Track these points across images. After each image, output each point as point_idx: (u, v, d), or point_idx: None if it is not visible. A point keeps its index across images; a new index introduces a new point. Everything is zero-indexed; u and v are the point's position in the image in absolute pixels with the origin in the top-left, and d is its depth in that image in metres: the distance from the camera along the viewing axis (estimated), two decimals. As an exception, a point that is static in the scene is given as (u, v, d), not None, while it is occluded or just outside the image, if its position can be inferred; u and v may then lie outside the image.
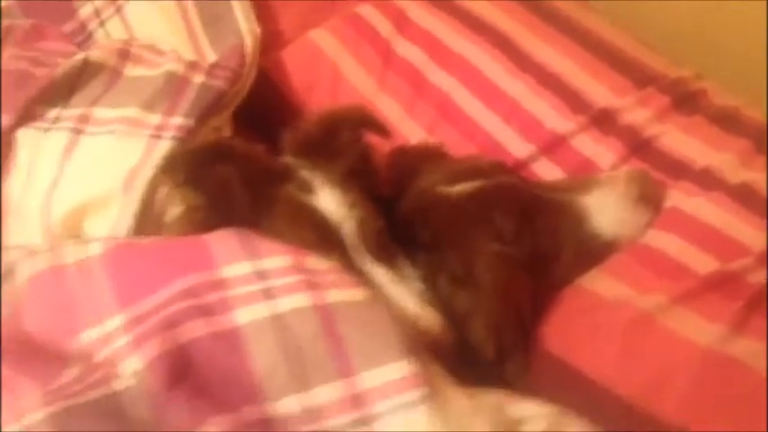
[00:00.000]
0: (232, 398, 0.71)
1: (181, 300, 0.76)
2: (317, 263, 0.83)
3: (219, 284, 0.77)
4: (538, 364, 0.93)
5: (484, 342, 0.91)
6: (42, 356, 0.76)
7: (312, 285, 0.78)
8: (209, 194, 0.89)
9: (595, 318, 0.92)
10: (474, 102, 1.18)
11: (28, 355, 0.75)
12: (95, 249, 0.85)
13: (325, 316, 0.75)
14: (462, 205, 0.95)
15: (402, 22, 1.28)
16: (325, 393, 0.72)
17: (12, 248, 0.91)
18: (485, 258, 0.92)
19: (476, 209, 0.95)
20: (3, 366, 0.72)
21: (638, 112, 1.10)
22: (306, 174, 0.93)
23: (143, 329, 0.73)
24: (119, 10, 1.27)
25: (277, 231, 0.88)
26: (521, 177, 1.05)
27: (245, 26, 1.21)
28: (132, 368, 0.72)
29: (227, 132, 1.14)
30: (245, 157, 0.90)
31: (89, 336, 0.77)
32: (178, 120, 1.02)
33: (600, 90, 1.13)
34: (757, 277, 0.87)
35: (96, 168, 1.01)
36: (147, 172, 0.98)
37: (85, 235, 1.00)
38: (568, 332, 0.93)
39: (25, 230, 1.02)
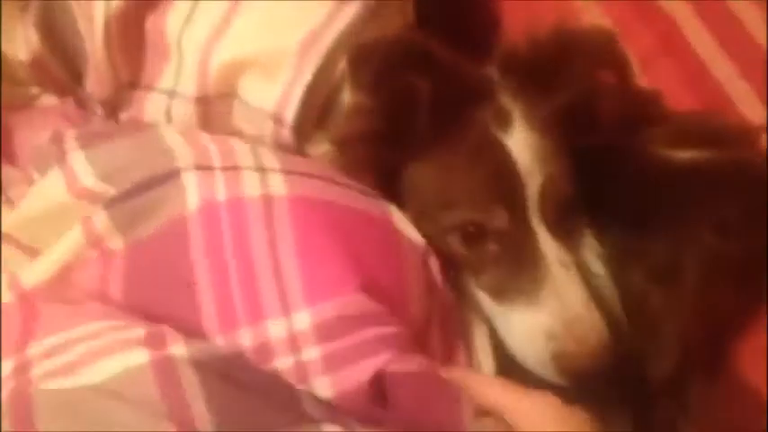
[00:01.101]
0: None
1: (390, 322, 0.62)
2: None
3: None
4: (727, 393, 0.76)
5: (668, 351, 0.73)
6: None
7: None
8: (390, 101, 0.73)
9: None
10: (706, 38, 0.95)
11: None
12: (278, 187, 0.67)
13: None
14: (685, 179, 0.76)
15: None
16: None
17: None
18: (697, 252, 0.73)
19: (702, 188, 0.75)
20: None
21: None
22: (508, 100, 0.76)
23: (335, 346, 0.59)
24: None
25: (452, 164, 0.74)
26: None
27: None
28: (322, 394, 0.60)
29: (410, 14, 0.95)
30: (442, 65, 0.73)
31: (274, 328, 0.61)
32: None
33: None
34: None
35: (271, 23, 0.84)
36: (328, 42, 0.81)
37: (240, 97, 0.85)
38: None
39: (180, 76, 0.87)
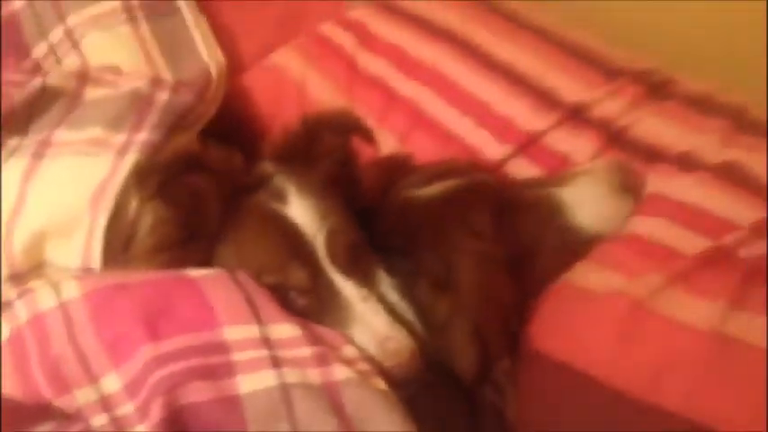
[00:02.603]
0: None
1: (181, 358, 0.69)
2: (325, 332, 0.79)
3: (223, 346, 0.70)
4: (528, 366, 0.88)
5: (466, 347, 0.85)
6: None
7: (321, 360, 0.72)
8: (179, 206, 0.84)
9: (587, 311, 0.88)
10: (445, 108, 1.16)
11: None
12: (71, 292, 0.76)
13: (334, 394, 0.70)
14: (437, 205, 0.92)
15: (365, 37, 1.26)
16: None
17: None
18: (463, 257, 0.88)
19: (451, 208, 0.91)
20: None
21: (610, 104, 1.08)
22: (281, 181, 0.89)
23: (146, 394, 0.67)
24: (75, 45, 1.23)
25: (246, 242, 0.84)
26: (496, 175, 1.02)
27: (208, 54, 1.19)
28: None
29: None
30: (217, 166, 0.85)
31: (85, 396, 0.69)
32: (144, 135, 0.98)
33: (570, 85, 1.11)
34: (750, 251, 0.84)
35: (60, 189, 0.95)
36: (115, 188, 0.93)
37: (48, 262, 0.94)
38: (559, 329, 0.89)
39: None
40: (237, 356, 0.69)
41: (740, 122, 1.00)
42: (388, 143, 1.16)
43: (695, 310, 0.81)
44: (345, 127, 0.92)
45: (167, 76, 1.16)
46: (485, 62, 1.16)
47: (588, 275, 0.91)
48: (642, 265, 0.88)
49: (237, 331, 0.71)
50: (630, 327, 0.83)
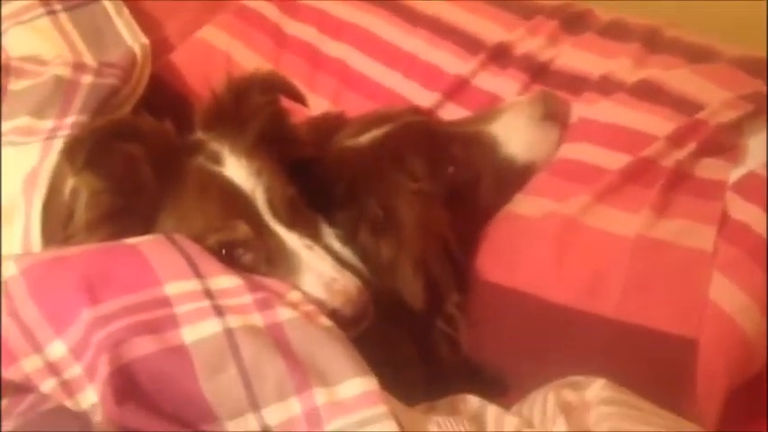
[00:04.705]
0: (184, 416, 0.67)
1: (123, 316, 0.70)
2: (269, 282, 0.79)
3: (165, 301, 0.71)
4: (476, 294, 0.92)
5: (412, 282, 0.88)
6: None
7: (264, 305, 0.73)
8: (113, 176, 0.83)
9: (524, 235, 0.91)
10: (372, 64, 1.18)
11: None
12: (9, 270, 0.76)
13: (279, 335, 0.71)
14: (372, 152, 0.94)
15: (289, 6, 1.28)
16: (282, 411, 0.68)
17: None
18: (401, 197, 0.90)
19: (386, 152, 0.94)
20: None
21: (530, 41, 1.11)
22: (215, 145, 0.90)
23: (91, 354, 0.68)
24: (-3, 41, 1.23)
25: (187, 206, 0.85)
26: (430, 116, 1.05)
27: (132, 38, 1.19)
28: (90, 401, 0.67)
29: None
30: (150, 133, 0.85)
31: (32, 364, 0.70)
32: (72, 119, 0.99)
33: (491, 28, 1.14)
34: (672, 158, 0.88)
35: None
36: (47, 172, 0.94)
37: None
38: (502, 257, 0.92)
39: None
40: (180, 309, 0.70)
41: (653, 44, 1.04)
42: (320, 106, 1.18)
43: (622, 220, 0.86)
44: (270, 86, 0.93)
45: (89, 59, 1.17)
46: (407, 16, 1.19)
47: (524, 205, 0.95)
48: (570, 187, 0.92)
49: (178, 286, 0.72)
50: (564, 243, 0.87)
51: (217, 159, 0.88)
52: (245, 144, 0.89)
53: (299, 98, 0.95)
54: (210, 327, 0.69)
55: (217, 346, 0.68)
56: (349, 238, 0.91)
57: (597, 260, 0.85)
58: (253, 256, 0.85)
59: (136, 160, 0.84)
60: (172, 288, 0.72)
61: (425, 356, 0.89)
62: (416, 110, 1.05)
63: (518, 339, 0.88)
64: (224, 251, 0.84)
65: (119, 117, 0.87)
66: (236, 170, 0.87)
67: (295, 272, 0.84)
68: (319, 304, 0.81)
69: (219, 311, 0.71)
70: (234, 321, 0.70)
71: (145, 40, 1.18)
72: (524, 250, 0.90)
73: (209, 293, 0.72)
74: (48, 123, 0.99)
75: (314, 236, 0.89)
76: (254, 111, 0.91)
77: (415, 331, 0.89)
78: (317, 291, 0.82)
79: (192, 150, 0.89)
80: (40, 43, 1.18)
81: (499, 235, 0.94)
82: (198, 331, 0.69)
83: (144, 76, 1.14)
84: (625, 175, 0.89)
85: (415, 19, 1.19)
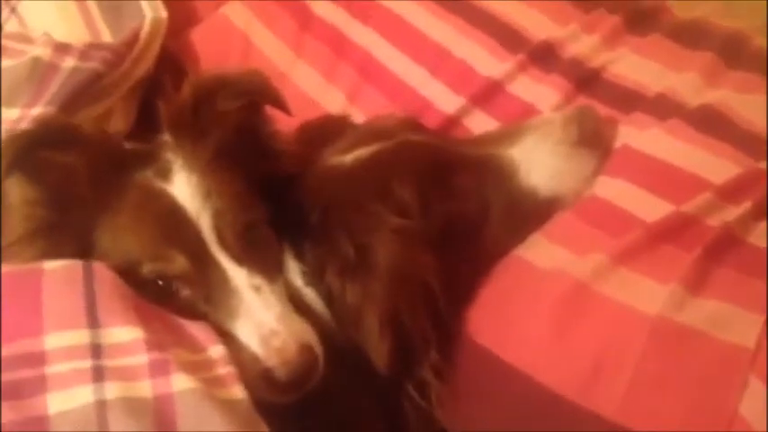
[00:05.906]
0: None
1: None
2: (196, 329, 0.68)
3: (39, 357, 0.61)
4: (463, 356, 0.75)
5: (376, 339, 0.72)
6: None
7: (158, 369, 0.62)
8: (47, 186, 0.73)
9: (527, 292, 0.74)
10: (397, 56, 1.02)
11: None
12: None
13: (165, 409, 0.59)
14: (354, 175, 0.79)
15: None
16: None
17: None
18: (378, 235, 0.74)
19: (370, 177, 0.78)
20: None
21: (583, 40, 0.92)
22: (170, 155, 0.78)
23: None
24: (13, 10, 1.16)
25: (122, 228, 0.74)
26: (434, 134, 0.88)
27: (149, 10, 1.08)
28: None
29: (121, 121, 1.01)
30: (91, 141, 0.74)
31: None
32: (38, 109, 0.89)
33: (539, 21, 0.96)
34: (720, 217, 0.68)
35: None
36: None
37: None
38: (497, 316, 0.76)
39: None
40: (54, 369, 0.60)
41: (732, 55, 0.82)
42: (335, 100, 1.03)
43: (645, 292, 0.67)
44: (243, 90, 0.79)
45: (106, 35, 1.08)
46: (444, 1, 1.02)
47: (536, 249, 0.78)
48: (594, 235, 0.74)
49: (63, 338, 0.61)
50: (570, 312, 0.70)
51: (165, 174, 0.76)
52: (203, 157, 0.77)
53: (279, 104, 0.81)
54: (81, 396, 0.58)
55: (83, 421, 0.57)
56: (315, 278, 0.76)
57: (605, 341, 0.67)
58: (190, 291, 0.73)
59: (73, 171, 0.73)
60: (54, 340, 0.62)
61: (387, 428, 0.74)
62: (417, 126, 0.88)
63: (501, 422, 0.72)
64: (161, 282, 0.73)
65: (57, 121, 0.77)
66: (183, 188, 0.75)
67: (233, 316, 0.72)
68: (252, 360, 0.69)
69: (99, 376, 0.60)
70: (111, 391, 0.59)
71: (163, 14, 1.07)
72: (523, 312, 0.73)
73: (95, 350, 0.61)
74: (14, 113, 0.89)
75: (270, 272, 0.75)
76: (215, 119, 0.78)
77: (379, 397, 0.74)
78: (253, 343, 0.70)
79: (144, 161, 0.77)
80: (58, 19, 1.10)
81: (499, 285, 0.77)
82: (66, 400, 0.58)
83: (146, 57, 1.04)
84: (658, 233, 0.70)
85: (450, 3, 1.01)
